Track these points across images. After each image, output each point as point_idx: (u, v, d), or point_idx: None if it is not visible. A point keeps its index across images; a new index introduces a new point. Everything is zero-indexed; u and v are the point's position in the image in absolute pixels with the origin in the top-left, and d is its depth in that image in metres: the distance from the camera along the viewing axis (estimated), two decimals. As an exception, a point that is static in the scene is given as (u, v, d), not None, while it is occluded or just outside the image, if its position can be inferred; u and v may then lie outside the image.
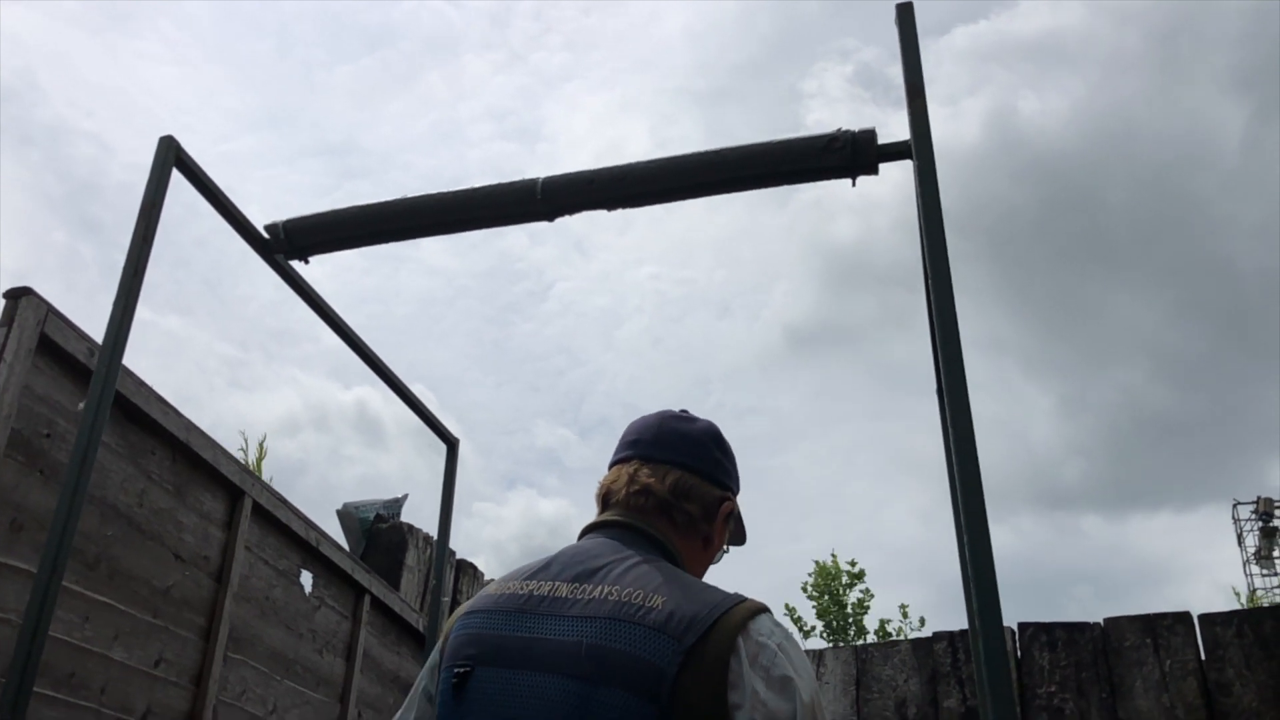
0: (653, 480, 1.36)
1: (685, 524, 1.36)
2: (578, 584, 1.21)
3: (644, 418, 1.48)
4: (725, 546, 1.46)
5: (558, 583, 1.23)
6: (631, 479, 1.37)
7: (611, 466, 1.44)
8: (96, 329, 2.67)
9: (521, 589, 1.25)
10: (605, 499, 1.40)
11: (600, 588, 1.19)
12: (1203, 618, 5.19)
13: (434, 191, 2.76)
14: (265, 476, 8.25)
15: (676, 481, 1.37)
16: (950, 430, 1.56)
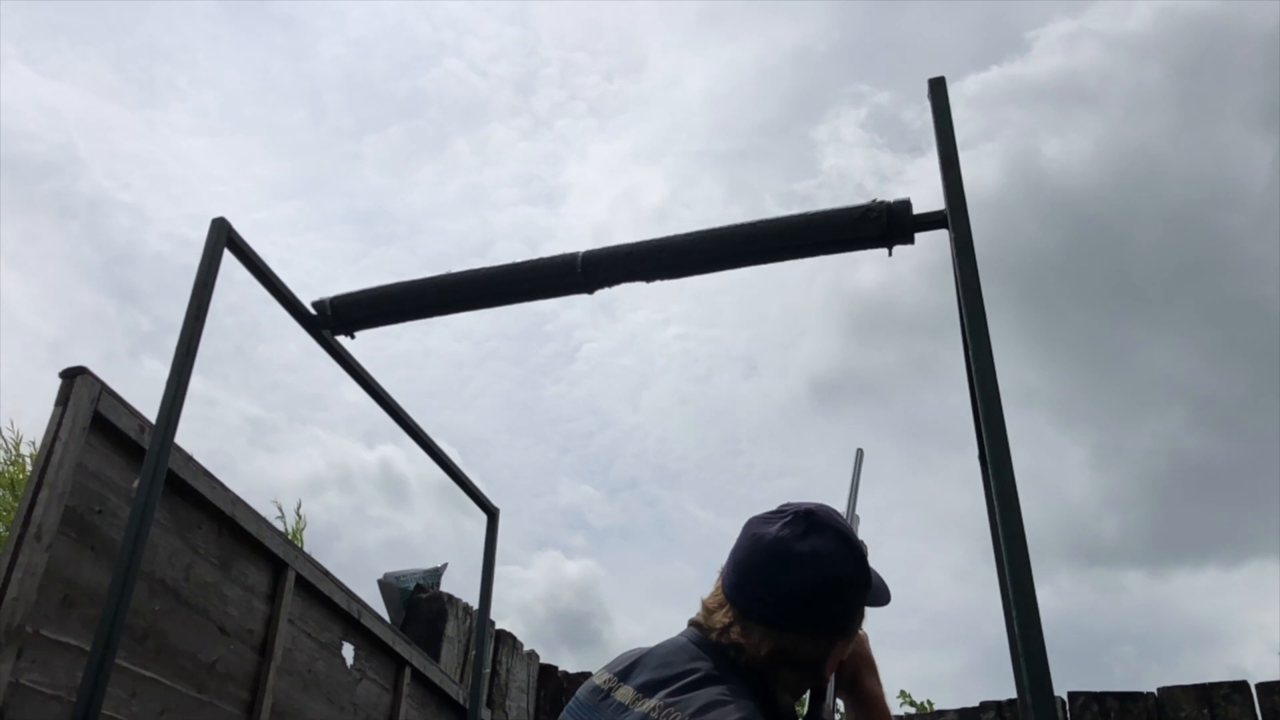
0: (746, 642, 1.31)
1: (783, 681, 1.32)
2: (630, 688, 1.29)
3: (755, 544, 1.36)
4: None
5: (623, 684, 1.30)
6: (724, 630, 1.33)
7: (721, 584, 1.39)
8: (130, 390, 2.70)
9: (601, 681, 1.34)
10: (705, 610, 1.39)
11: (634, 697, 1.26)
12: (1260, 686, 5.04)
13: (476, 267, 2.82)
14: (302, 544, 8.32)
15: (773, 649, 1.30)
16: (995, 502, 1.56)
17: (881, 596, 1.45)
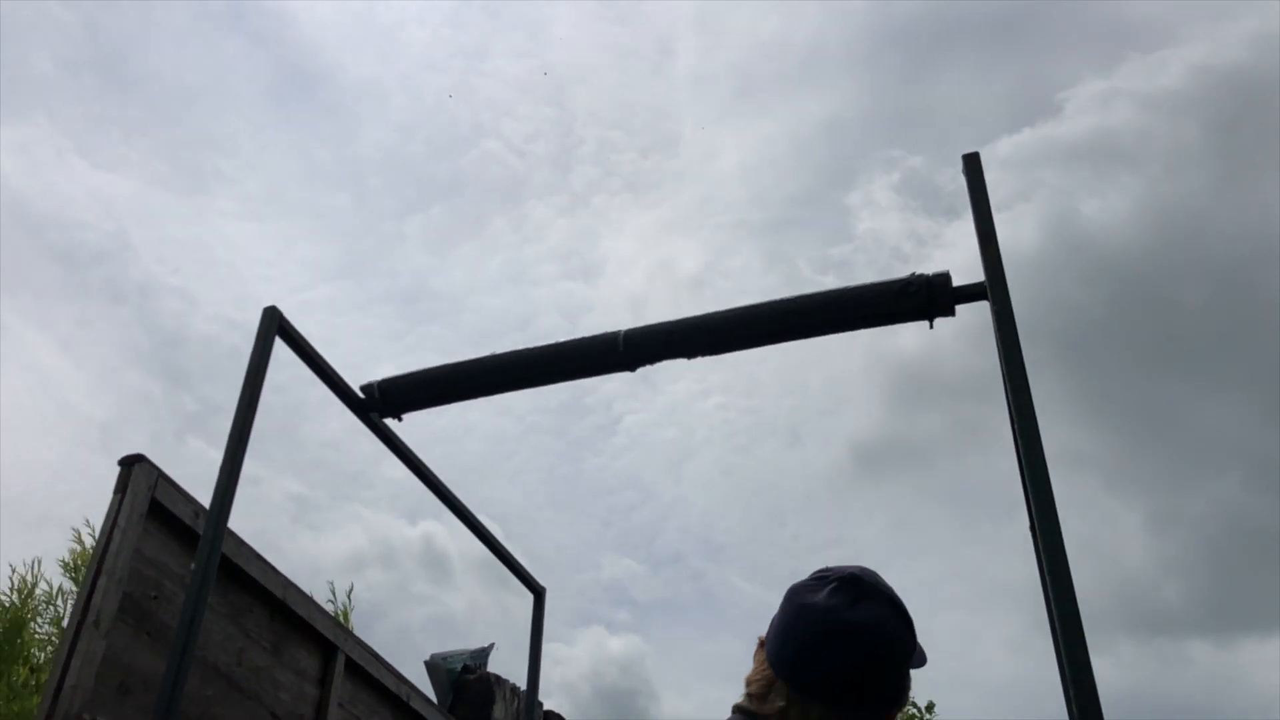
0: (793, 713, 1.29)
1: None
2: None
3: (805, 614, 1.33)
4: None
5: None
6: (782, 714, 1.31)
7: (765, 655, 1.36)
8: (177, 471, 2.74)
9: None
10: (747, 684, 1.36)
11: None
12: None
13: (520, 348, 2.87)
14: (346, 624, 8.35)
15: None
16: (1048, 579, 1.54)
17: (920, 658, 1.40)
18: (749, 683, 1.36)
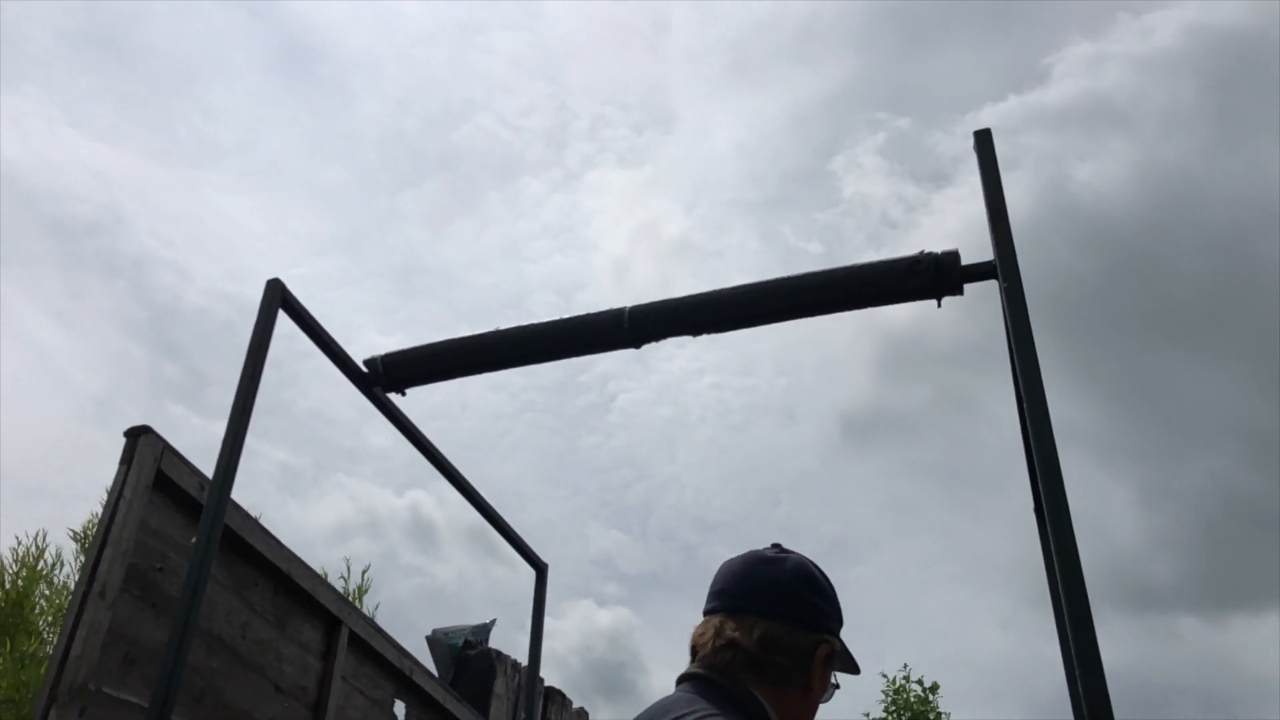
0: (738, 634, 1.35)
1: (778, 676, 1.34)
2: None
3: (731, 562, 1.46)
4: (835, 683, 1.44)
5: None
6: (717, 633, 1.37)
7: (704, 615, 1.44)
8: (175, 443, 2.71)
9: None
10: (693, 652, 1.41)
11: None
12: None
13: (524, 324, 2.86)
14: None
15: (764, 634, 1.35)
16: (1056, 560, 1.53)
17: (853, 665, 1.49)
18: (694, 647, 1.42)
